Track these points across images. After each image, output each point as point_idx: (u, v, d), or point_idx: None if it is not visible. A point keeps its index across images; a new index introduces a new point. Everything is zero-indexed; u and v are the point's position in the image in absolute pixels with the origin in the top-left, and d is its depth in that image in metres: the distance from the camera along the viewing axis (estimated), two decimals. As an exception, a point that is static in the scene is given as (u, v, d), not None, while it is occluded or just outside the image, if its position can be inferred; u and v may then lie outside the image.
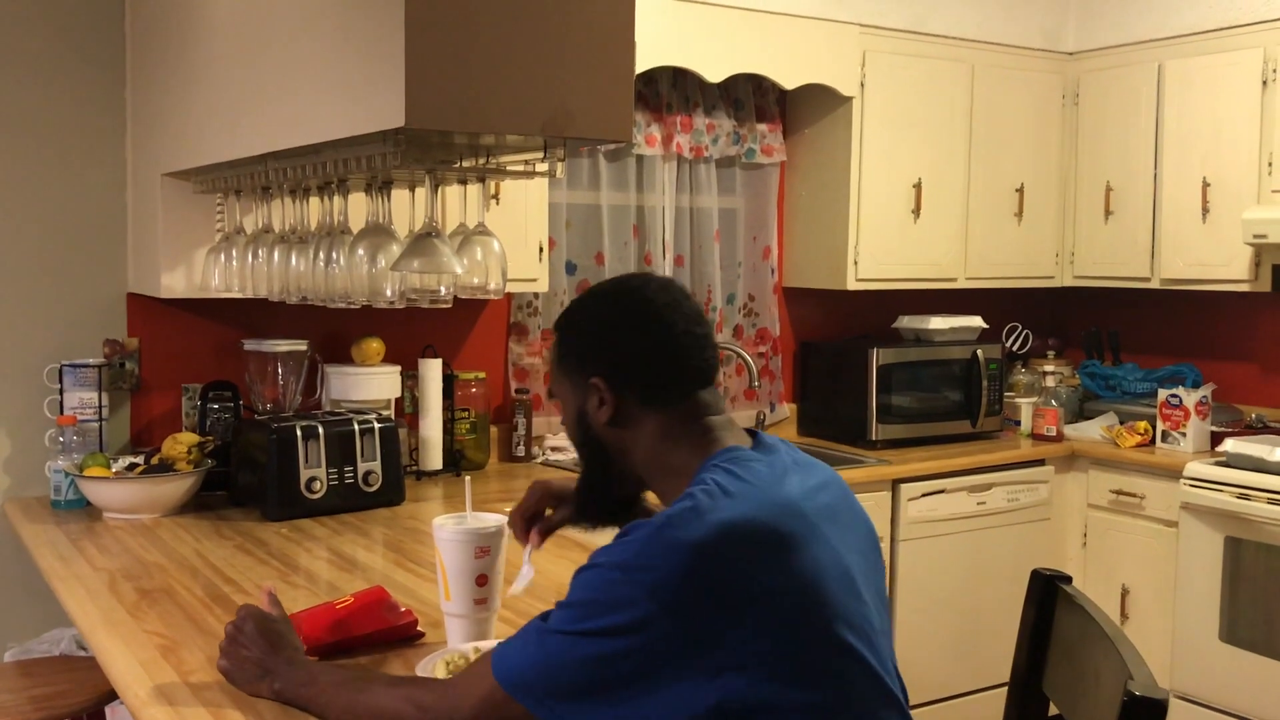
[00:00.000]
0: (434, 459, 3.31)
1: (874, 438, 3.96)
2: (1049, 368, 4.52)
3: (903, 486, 3.71)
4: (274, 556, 2.46)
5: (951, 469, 3.83)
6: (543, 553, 1.82)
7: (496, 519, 1.79)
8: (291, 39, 2.11)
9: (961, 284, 4.27)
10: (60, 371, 3.00)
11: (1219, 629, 3.62)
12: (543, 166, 2.16)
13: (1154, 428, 4.00)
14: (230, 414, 3.06)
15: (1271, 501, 3.46)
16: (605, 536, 1.86)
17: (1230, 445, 3.65)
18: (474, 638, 1.77)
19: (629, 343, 1.48)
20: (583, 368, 1.50)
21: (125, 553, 2.47)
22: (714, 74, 3.71)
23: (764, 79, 3.87)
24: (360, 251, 2.26)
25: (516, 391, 3.65)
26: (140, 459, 2.89)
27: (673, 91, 3.89)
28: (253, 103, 2.27)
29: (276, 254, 2.54)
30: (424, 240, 2.09)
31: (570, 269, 3.84)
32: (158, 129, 2.91)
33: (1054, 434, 4.19)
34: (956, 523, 3.83)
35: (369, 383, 3.23)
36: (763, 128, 4.10)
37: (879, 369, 3.96)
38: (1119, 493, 3.98)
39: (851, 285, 4.03)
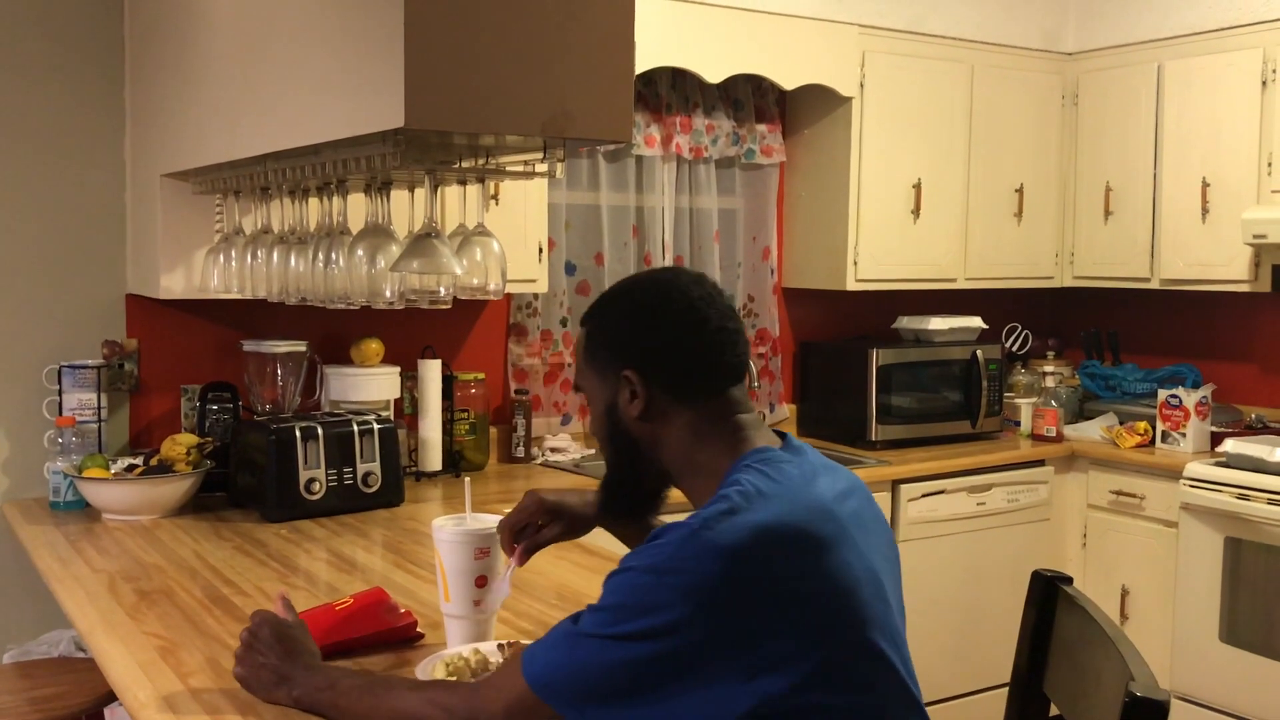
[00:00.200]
0: (433, 460, 3.31)
1: (874, 438, 3.96)
2: (1049, 368, 4.52)
3: (903, 487, 3.71)
4: (273, 558, 2.45)
5: (951, 469, 3.83)
6: (543, 554, 1.81)
7: (496, 520, 1.78)
8: (291, 39, 2.10)
9: (961, 284, 4.27)
10: (59, 372, 2.99)
11: (1219, 629, 3.62)
12: (542, 167, 2.16)
13: (1154, 428, 4.00)
14: (229, 415, 3.05)
15: (1271, 502, 3.45)
16: (605, 541, 1.86)
17: (1230, 445, 3.65)
18: (473, 639, 1.76)
19: (664, 336, 1.46)
20: (614, 360, 1.48)
21: (124, 554, 2.47)
22: (713, 74, 3.71)
23: (763, 79, 3.87)
24: (359, 252, 2.25)
25: (516, 392, 3.65)
26: (139, 460, 2.88)
27: (672, 92, 3.88)
28: (252, 103, 2.26)
29: (275, 255, 2.54)
30: (423, 241, 2.08)
31: (570, 270, 3.83)
32: (157, 129, 2.91)
33: (1054, 434, 4.19)
34: (956, 523, 3.83)
35: (368, 384, 3.23)
36: (762, 128, 4.10)
37: (879, 369, 3.96)
38: (1119, 493, 3.98)
39: (851, 286, 4.03)
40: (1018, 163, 4.35)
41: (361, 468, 2.86)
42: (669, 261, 3.95)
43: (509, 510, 1.76)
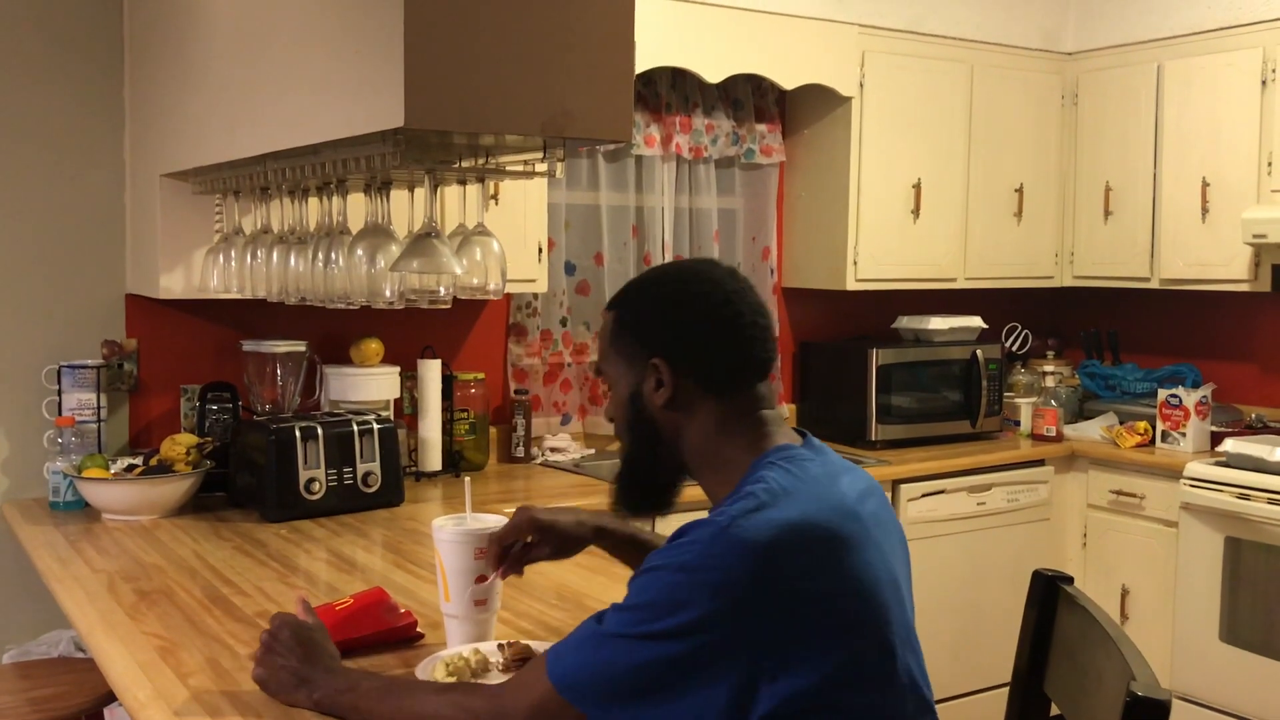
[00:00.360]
0: (433, 460, 3.31)
1: (874, 438, 3.96)
2: (1049, 368, 4.52)
3: (903, 487, 3.71)
4: (273, 558, 2.45)
5: (951, 469, 3.83)
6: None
7: (496, 520, 1.78)
8: (291, 39, 2.10)
9: (961, 284, 4.27)
10: (59, 372, 2.99)
11: (1219, 629, 3.62)
12: (542, 167, 2.16)
13: (1154, 428, 4.00)
14: (229, 415, 3.05)
15: (1271, 501, 3.45)
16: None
17: (1230, 445, 3.65)
18: (474, 639, 1.76)
19: (697, 326, 1.45)
20: (643, 347, 1.46)
21: (124, 554, 2.47)
22: (713, 74, 3.71)
23: (763, 79, 3.87)
24: (359, 252, 2.25)
25: (516, 392, 3.65)
26: (139, 460, 2.88)
27: (672, 92, 3.88)
28: (252, 103, 2.26)
29: (275, 254, 2.54)
30: (423, 241, 2.08)
31: (569, 269, 3.83)
32: (156, 129, 2.90)
33: (1054, 434, 4.18)
34: (956, 523, 3.83)
35: (368, 383, 3.23)
36: (762, 128, 4.10)
37: (878, 369, 3.96)
38: (1119, 493, 3.98)
39: (851, 285, 4.03)
40: (1017, 162, 4.35)
41: (361, 468, 2.86)
42: (668, 261, 3.94)
43: (509, 509, 1.76)
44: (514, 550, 1.72)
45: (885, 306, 4.37)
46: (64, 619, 2.50)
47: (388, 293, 2.25)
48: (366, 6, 1.79)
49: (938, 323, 4.20)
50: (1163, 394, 3.96)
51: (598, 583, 1.87)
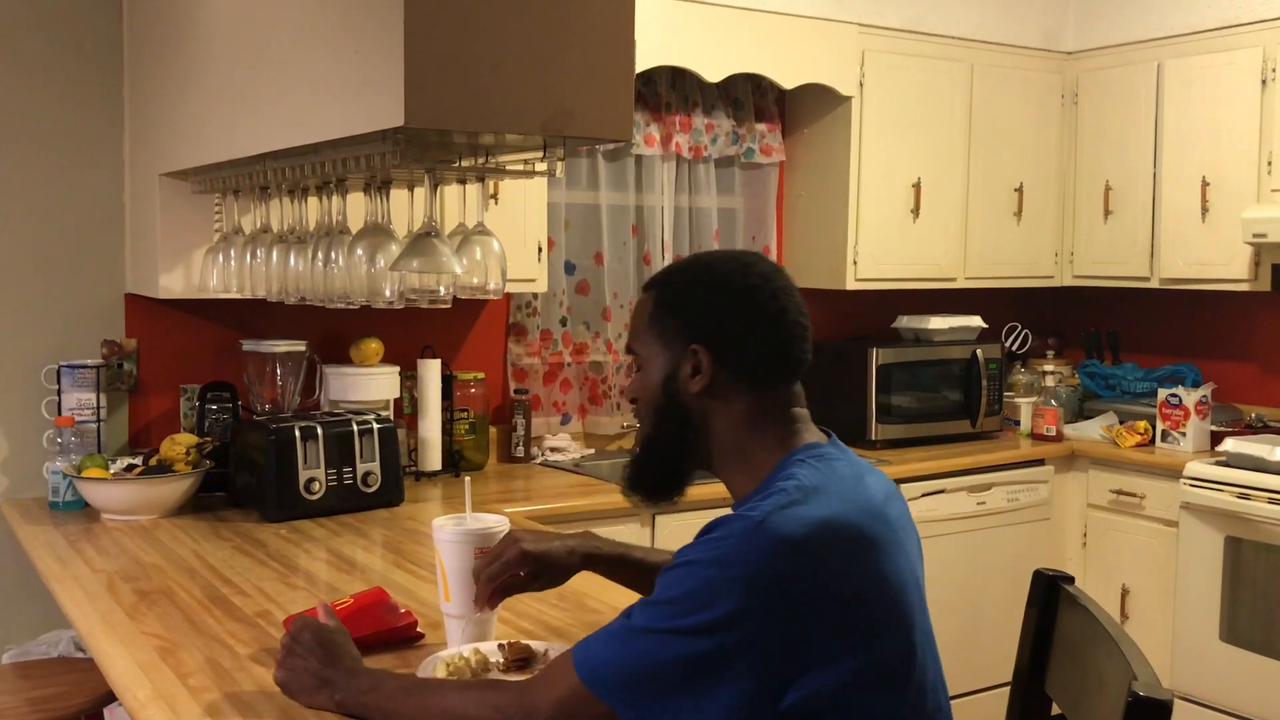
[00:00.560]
0: (433, 460, 3.31)
1: (874, 438, 3.96)
2: (1048, 367, 4.51)
3: (902, 487, 3.67)
4: (273, 558, 2.45)
5: (951, 469, 3.83)
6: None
7: (496, 519, 1.78)
8: (291, 39, 2.10)
9: (961, 284, 4.26)
10: (58, 372, 2.99)
11: (1219, 629, 3.62)
12: (542, 166, 2.16)
13: (1154, 427, 4.00)
14: (229, 415, 3.05)
15: (1271, 501, 3.45)
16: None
17: (1230, 445, 3.65)
18: (474, 639, 1.76)
19: (743, 318, 1.44)
20: (684, 332, 1.44)
21: (123, 554, 2.46)
22: (713, 74, 3.70)
23: (763, 79, 3.87)
24: (359, 251, 2.25)
25: (515, 392, 3.65)
26: (138, 460, 2.88)
27: (672, 91, 3.88)
28: (251, 102, 2.26)
29: (275, 254, 2.54)
30: (423, 240, 2.08)
31: (569, 269, 3.83)
32: (156, 129, 2.90)
33: (1054, 434, 4.18)
34: (956, 523, 3.83)
35: (368, 383, 3.23)
36: (762, 127, 4.09)
37: (878, 369, 3.96)
38: (1119, 492, 3.98)
39: (851, 285, 4.03)
40: (1017, 162, 4.35)
41: (361, 467, 2.86)
42: (668, 261, 3.94)
43: (509, 509, 1.75)
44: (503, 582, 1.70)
45: (885, 306, 4.37)
46: (64, 619, 2.49)
47: (387, 292, 2.25)
48: (366, 6, 1.79)
49: (938, 322, 4.20)
50: (1163, 393, 3.96)
51: (598, 583, 1.86)
